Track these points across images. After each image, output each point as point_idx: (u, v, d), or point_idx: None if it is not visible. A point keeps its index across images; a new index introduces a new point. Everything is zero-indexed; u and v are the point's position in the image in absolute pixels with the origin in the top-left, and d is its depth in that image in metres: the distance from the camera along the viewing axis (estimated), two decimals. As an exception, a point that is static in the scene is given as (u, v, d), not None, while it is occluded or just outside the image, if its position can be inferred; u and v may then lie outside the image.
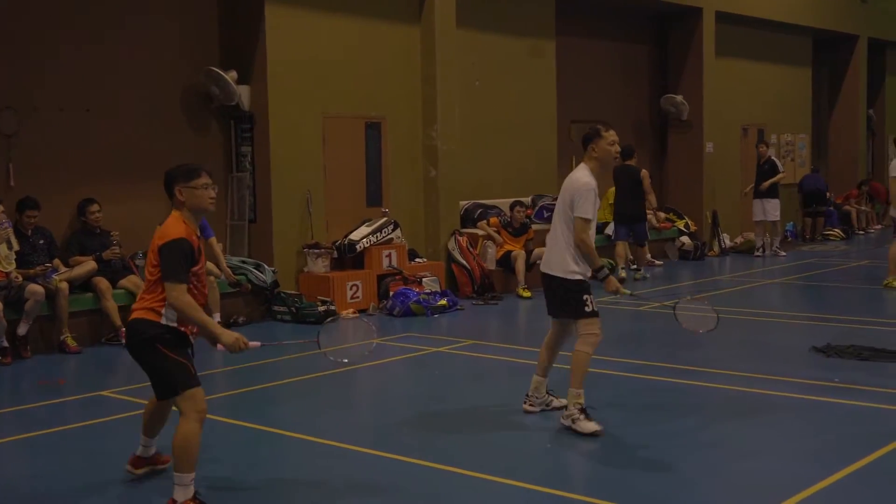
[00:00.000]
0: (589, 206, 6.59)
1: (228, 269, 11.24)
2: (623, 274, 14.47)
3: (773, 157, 18.05)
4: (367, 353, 6.46)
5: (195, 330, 5.37)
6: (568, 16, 16.33)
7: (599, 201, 6.78)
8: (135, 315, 5.29)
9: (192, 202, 5.31)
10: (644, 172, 15.21)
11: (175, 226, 5.21)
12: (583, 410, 6.54)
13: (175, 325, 5.22)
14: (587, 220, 6.60)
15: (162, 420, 5.77)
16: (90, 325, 10.43)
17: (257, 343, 5.36)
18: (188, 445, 5.16)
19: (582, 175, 6.68)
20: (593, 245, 6.71)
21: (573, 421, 6.54)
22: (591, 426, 6.48)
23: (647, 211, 15.67)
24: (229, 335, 5.21)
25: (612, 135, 6.77)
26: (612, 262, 14.44)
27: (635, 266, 15.14)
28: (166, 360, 5.21)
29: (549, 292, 6.90)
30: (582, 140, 6.89)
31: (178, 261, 5.09)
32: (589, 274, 6.78)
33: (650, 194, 15.50)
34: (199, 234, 5.35)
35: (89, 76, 11.13)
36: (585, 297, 6.70)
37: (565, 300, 6.78)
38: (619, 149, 6.88)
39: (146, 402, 5.82)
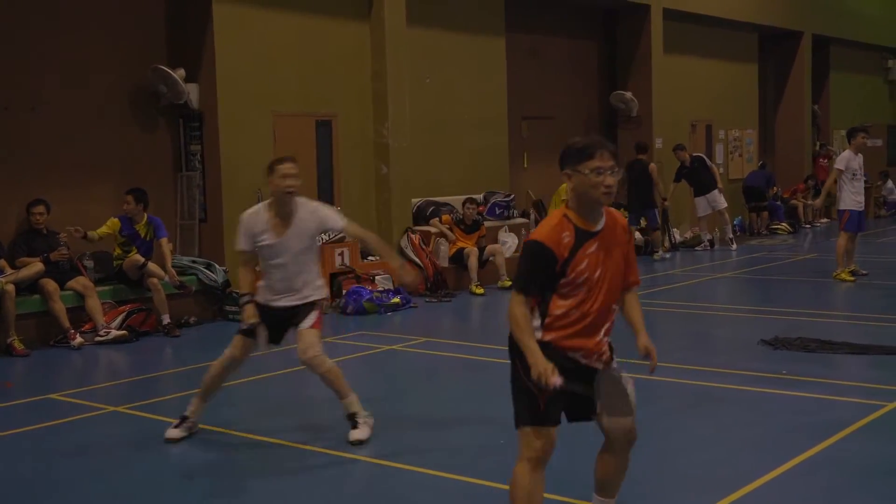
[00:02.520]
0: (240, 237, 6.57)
1: (173, 270, 11.09)
2: (657, 257, 16.69)
3: (697, 154, 18.31)
4: None
5: (593, 347, 4.26)
6: (517, 12, 16.39)
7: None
8: None
9: (580, 189, 4.14)
10: (652, 165, 16.97)
11: (543, 224, 4.22)
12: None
13: (547, 339, 4.20)
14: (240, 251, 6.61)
15: (614, 470, 4.58)
16: (38, 328, 10.26)
17: (559, 380, 4.04)
18: (514, 492, 4.26)
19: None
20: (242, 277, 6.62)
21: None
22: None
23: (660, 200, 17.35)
24: (535, 368, 4.01)
25: (286, 166, 6.41)
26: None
27: (656, 250, 16.95)
28: (517, 382, 4.26)
29: None
30: None
31: (523, 266, 4.17)
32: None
33: (658, 185, 17.16)
34: (594, 228, 4.18)
35: (34, 74, 10.97)
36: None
37: None
38: (291, 184, 6.38)
39: None
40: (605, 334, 4.29)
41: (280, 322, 6.60)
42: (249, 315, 6.49)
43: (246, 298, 6.53)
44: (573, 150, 4.17)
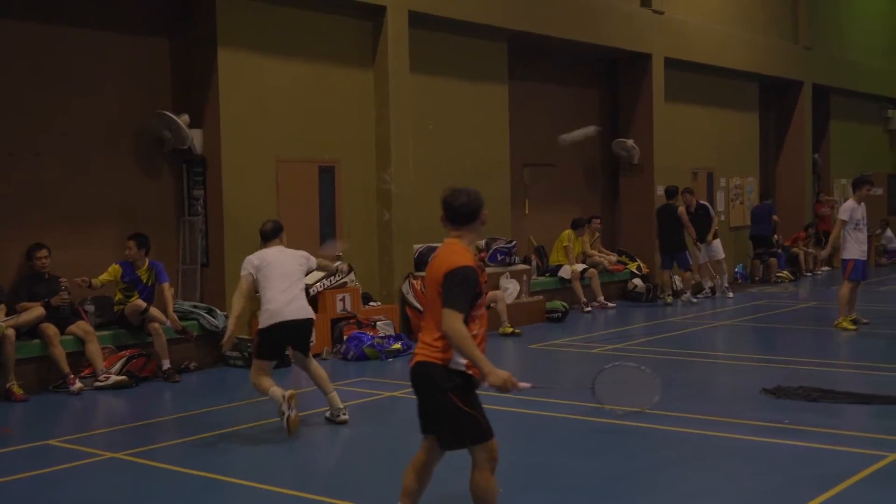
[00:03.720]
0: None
1: (174, 315, 11.08)
2: (669, 300, 17.00)
3: (702, 202, 18.38)
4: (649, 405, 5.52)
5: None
6: (520, 60, 16.53)
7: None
8: (419, 358, 4.98)
9: (481, 229, 5.15)
10: (681, 209, 17.30)
11: (459, 253, 4.93)
12: None
13: (464, 369, 4.89)
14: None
15: (428, 478, 5.27)
16: (37, 372, 10.21)
17: (528, 384, 4.85)
18: (488, 496, 4.98)
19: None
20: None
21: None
22: None
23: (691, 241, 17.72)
24: (498, 375, 4.71)
25: None
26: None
27: (682, 289, 17.36)
28: (451, 409, 4.89)
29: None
30: None
31: (460, 288, 4.78)
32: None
33: (689, 228, 17.49)
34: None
35: (39, 120, 11.04)
36: None
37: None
38: None
39: (411, 462, 5.26)
40: None
41: None
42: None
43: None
44: (479, 199, 5.03)
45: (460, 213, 4.99)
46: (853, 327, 13.26)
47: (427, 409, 5.01)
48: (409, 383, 5.04)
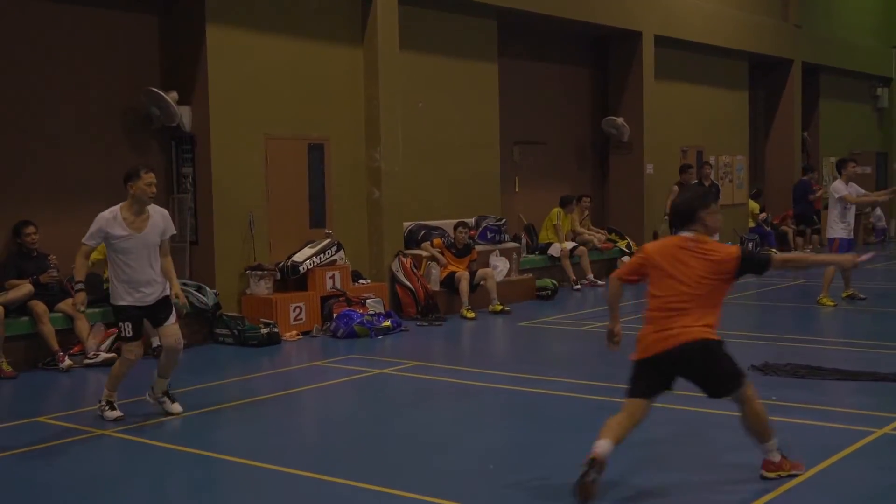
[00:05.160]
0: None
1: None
2: None
3: (717, 184, 18.53)
4: None
5: None
6: (510, 38, 16.48)
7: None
8: (701, 335, 5.98)
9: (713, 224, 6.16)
10: (672, 190, 16.82)
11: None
12: (109, 403, 7.92)
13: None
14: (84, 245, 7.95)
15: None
16: (26, 350, 10.22)
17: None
18: (762, 419, 5.96)
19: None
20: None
21: (102, 412, 7.89)
22: (114, 414, 7.85)
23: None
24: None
25: (151, 175, 7.87)
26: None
27: None
28: (730, 359, 5.97)
29: None
30: None
31: None
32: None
33: (668, 206, 17.42)
34: None
35: (26, 96, 10.97)
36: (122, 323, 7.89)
37: None
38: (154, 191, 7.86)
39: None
40: None
41: (144, 315, 7.95)
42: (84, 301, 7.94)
43: (81, 285, 7.88)
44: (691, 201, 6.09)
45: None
46: (832, 303, 13.39)
47: (706, 372, 5.95)
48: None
